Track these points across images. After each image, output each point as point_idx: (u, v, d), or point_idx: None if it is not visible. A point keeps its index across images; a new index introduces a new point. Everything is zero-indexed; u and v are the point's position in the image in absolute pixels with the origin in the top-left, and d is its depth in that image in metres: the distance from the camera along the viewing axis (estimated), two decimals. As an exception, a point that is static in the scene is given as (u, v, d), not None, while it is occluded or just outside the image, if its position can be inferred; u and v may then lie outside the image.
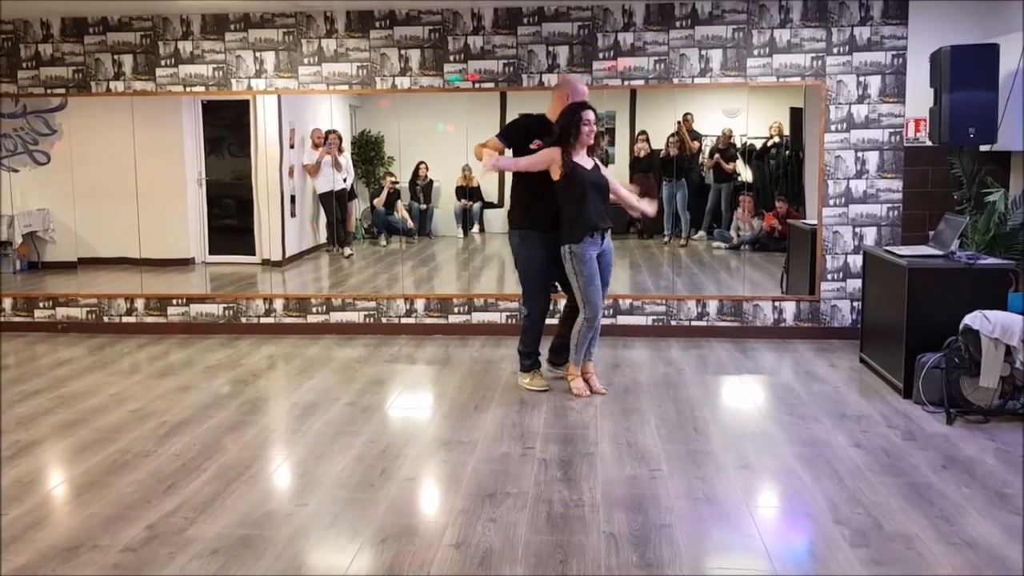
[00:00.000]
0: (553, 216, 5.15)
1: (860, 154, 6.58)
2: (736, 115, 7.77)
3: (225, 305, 7.28)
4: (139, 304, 7.33)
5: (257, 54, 6.99)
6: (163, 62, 7.07)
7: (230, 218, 8.33)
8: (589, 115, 5.02)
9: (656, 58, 6.66)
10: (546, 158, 5.07)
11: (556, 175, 5.05)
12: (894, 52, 6.47)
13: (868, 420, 4.79)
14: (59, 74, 7.18)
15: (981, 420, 4.72)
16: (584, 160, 5.09)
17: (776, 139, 7.80)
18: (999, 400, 4.68)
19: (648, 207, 5.44)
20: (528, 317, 5.42)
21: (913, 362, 5.07)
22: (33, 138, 7.68)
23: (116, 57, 7.11)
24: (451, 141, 8.76)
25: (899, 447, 4.37)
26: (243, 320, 7.24)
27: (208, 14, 6.97)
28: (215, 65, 7.03)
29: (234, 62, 7.01)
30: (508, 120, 8.67)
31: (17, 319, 7.44)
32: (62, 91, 7.23)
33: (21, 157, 7.73)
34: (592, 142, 5.08)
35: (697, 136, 8.07)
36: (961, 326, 4.74)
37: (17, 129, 7.67)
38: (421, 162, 8.93)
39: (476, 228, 9.13)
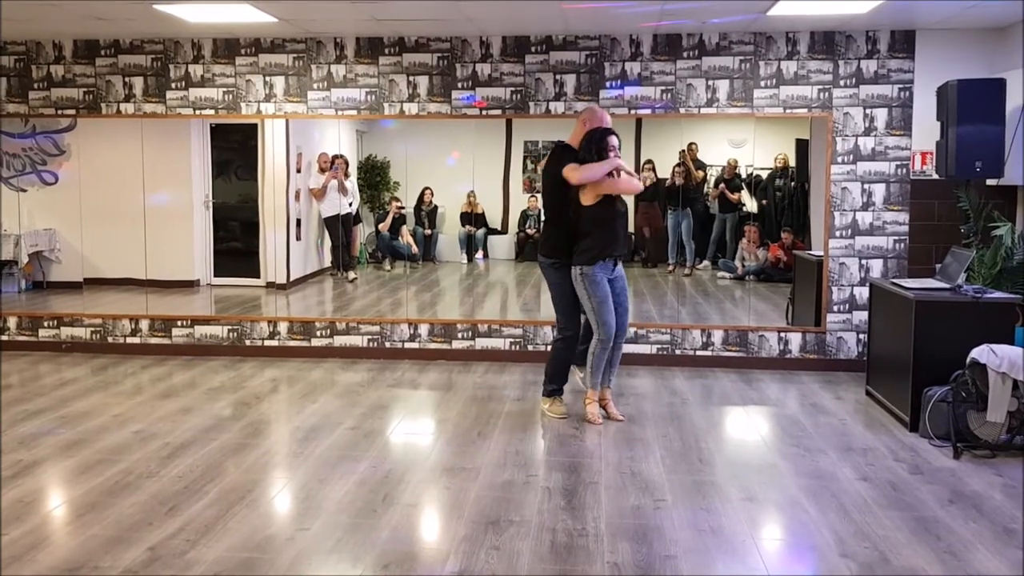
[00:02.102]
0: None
1: (866, 186, 6.59)
2: (742, 145, 7.80)
3: (229, 327, 7.27)
4: (144, 325, 7.33)
5: (267, 78, 7.03)
6: (173, 85, 7.12)
7: (236, 241, 8.35)
8: (614, 141, 5.11)
9: (663, 88, 6.70)
10: (603, 172, 5.03)
11: (589, 200, 5.08)
12: (900, 85, 6.50)
13: (874, 453, 4.76)
14: (70, 95, 7.23)
15: (988, 455, 4.69)
16: None
17: (779, 179, 7.84)
18: (1006, 435, 4.66)
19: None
20: (560, 341, 5.43)
21: (920, 395, 5.05)
22: (42, 158, 7.73)
23: (127, 79, 7.16)
24: (457, 167, 8.83)
25: (906, 481, 4.34)
26: (247, 342, 7.23)
27: (219, 38, 7.03)
28: (225, 89, 7.07)
29: (244, 86, 7.05)
30: (514, 147, 8.80)
31: (21, 338, 7.44)
32: (72, 112, 7.27)
33: (29, 177, 7.77)
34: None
35: (701, 166, 8.10)
36: (968, 360, 4.71)
37: (26, 149, 7.71)
38: (426, 188, 8.97)
39: (480, 254, 9.14)
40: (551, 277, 5.35)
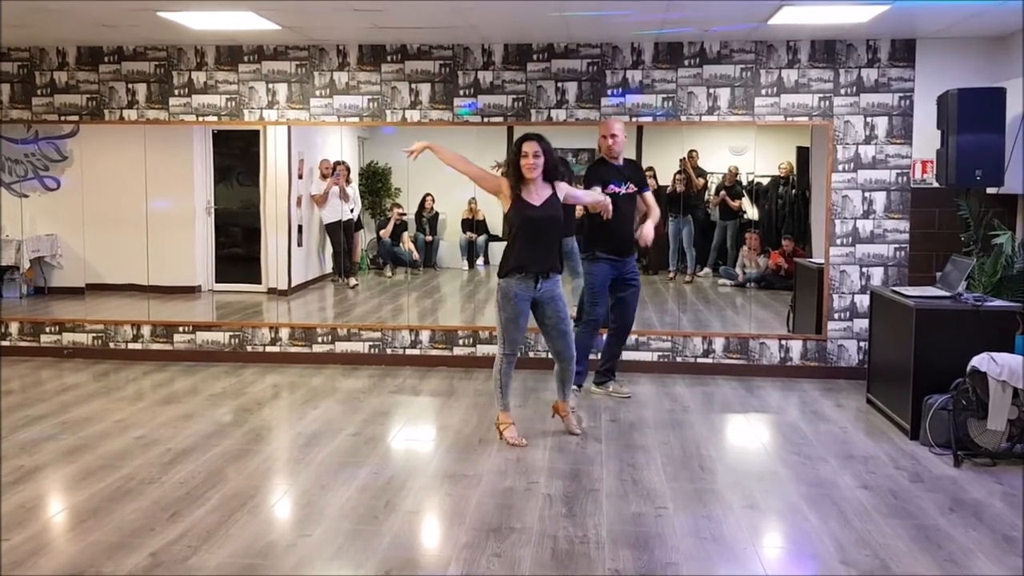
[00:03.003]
0: (618, 240, 5.72)
1: (867, 194, 6.60)
2: (743, 153, 7.82)
3: (231, 333, 7.28)
4: (145, 331, 7.34)
5: (270, 85, 7.05)
6: (176, 91, 7.13)
7: (237, 247, 8.37)
8: (527, 147, 4.77)
9: (664, 95, 6.72)
10: (491, 181, 5.03)
11: (504, 206, 4.96)
12: (901, 94, 6.52)
13: (875, 461, 4.77)
14: (73, 101, 7.25)
15: (989, 463, 4.69)
16: (538, 193, 4.85)
17: (780, 187, 7.87)
18: (1006, 443, 4.66)
19: (606, 204, 5.24)
20: (584, 325, 5.77)
21: (920, 403, 5.06)
22: (44, 164, 7.75)
23: (130, 86, 7.18)
24: (457, 174, 8.83)
25: (906, 489, 4.35)
26: (248, 349, 7.24)
27: (222, 45, 7.05)
28: (228, 96, 7.09)
29: (247, 93, 7.07)
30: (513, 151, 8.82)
31: (23, 344, 7.44)
32: (75, 118, 7.29)
33: (31, 182, 7.79)
34: (534, 175, 4.78)
35: (702, 173, 8.12)
36: (968, 368, 4.72)
37: (29, 155, 7.73)
38: (428, 194, 8.98)
39: (481, 261, 9.15)
40: (583, 268, 5.93)
